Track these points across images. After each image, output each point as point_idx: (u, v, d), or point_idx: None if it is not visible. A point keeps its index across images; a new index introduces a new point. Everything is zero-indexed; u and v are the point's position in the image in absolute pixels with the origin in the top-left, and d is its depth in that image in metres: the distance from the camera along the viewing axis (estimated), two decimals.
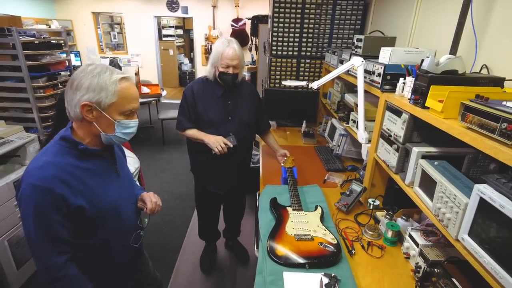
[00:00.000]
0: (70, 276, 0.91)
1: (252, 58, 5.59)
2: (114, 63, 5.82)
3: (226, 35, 5.98)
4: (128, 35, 6.63)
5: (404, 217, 1.34)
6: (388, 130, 1.32)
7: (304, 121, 2.59)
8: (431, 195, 1.00)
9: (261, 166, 2.02)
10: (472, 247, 0.80)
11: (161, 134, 4.71)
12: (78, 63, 5.73)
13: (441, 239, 1.14)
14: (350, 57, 1.81)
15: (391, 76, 1.36)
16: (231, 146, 1.65)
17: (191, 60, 8.94)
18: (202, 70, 6.67)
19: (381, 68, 1.38)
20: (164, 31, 8.82)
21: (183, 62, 8.93)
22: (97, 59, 6.63)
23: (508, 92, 1.01)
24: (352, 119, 1.83)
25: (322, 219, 1.38)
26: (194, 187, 2.08)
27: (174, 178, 3.63)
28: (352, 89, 2.09)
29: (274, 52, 2.77)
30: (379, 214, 1.45)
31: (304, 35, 2.69)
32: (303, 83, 1.97)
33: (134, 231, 1.11)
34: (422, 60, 1.13)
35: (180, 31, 9.34)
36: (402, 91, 1.27)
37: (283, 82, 2.11)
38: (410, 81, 1.19)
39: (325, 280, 1.05)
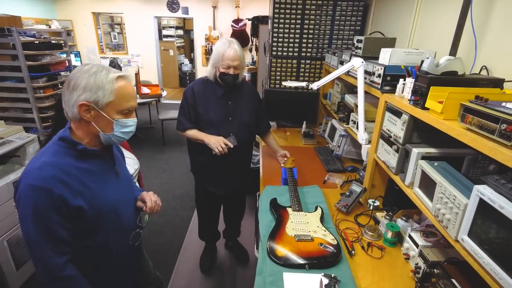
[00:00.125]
0: (70, 277, 0.91)
1: (253, 58, 5.60)
2: (114, 64, 5.83)
3: (227, 36, 6.01)
4: (128, 36, 6.63)
5: (404, 218, 1.34)
6: (388, 131, 1.32)
7: (304, 122, 2.59)
8: (431, 196, 1.01)
9: (261, 167, 2.02)
10: (472, 248, 0.80)
11: (161, 134, 4.71)
12: (78, 63, 5.74)
13: (441, 240, 1.14)
14: (350, 58, 1.82)
15: (391, 77, 1.36)
16: (232, 146, 1.65)
17: (191, 61, 8.95)
18: (203, 71, 6.67)
19: (381, 69, 1.38)
20: (164, 32, 8.82)
21: (183, 63, 8.94)
22: (97, 59, 6.64)
23: (507, 93, 1.01)
24: (352, 120, 1.83)
25: (322, 219, 1.39)
26: (194, 187, 2.08)
27: (174, 178, 3.63)
28: (352, 90, 2.10)
29: (274, 53, 2.78)
30: (379, 214, 1.45)
31: (304, 36, 2.69)
32: (303, 84, 1.97)
33: (133, 231, 1.11)
34: (422, 61, 1.13)
35: (180, 32, 9.35)
36: (402, 92, 1.27)
37: (283, 83, 2.12)
38: (410, 82, 1.20)
39: (325, 281, 1.05)
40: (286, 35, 2.70)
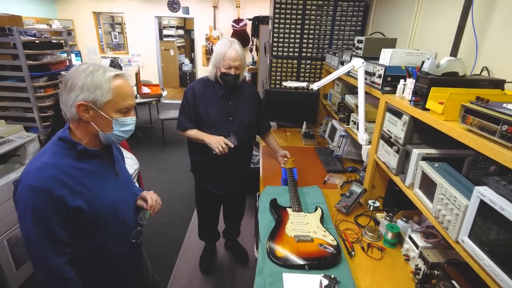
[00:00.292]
0: (69, 278, 0.90)
1: (253, 58, 5.60)
2: (114, 63, 5.83)
3: (227, 36, 6.01)
4: (129, 35, 6.64)
5: (404, 219, 1.34)
6: (389, 131, 1.32)
7: (305, 122, 2.59)
8: (431, 197, 1.00)
9: (261, 167, 2.02)
10: (472, 249, 0.80)
11: (161, 134, 4.71)
12: (78, 63, 5.73)
13: (441, 241, 1.14)
14: (350, 59, 1.82)
15: (392, 78, 1.36)
16: (232, 146, 1.65)
17: (192, 61, 8.96)
18: (203, 71, 6.68)
19: (382, 69, 1.38)
20: (165, 31, 8.83)
21: (183, 63, 8.95)
22: (98, 59, 6.65)
23: (508, 94, 1.01)
24: (352, 121, 1.83)
25: (322, 220, 1.38)
26: (194, 187, 2.08)
27: (174, 178, 3.63)
28: (353, 90, 2.10)
29: (274, 53, 2.77)
30: (379, 215, 1.45)
31: (305, 36, 2.69)
32: (304, 84, 1.97)
33: (134, 229, 1.10)
34: (423, 62, 1.13)
35: (181, 32, 9.35)
36: (403, 93, 1.27)
37: (284, 83, 2.12)
38: (410, 82, 1.19)
39: (325, 282, 1.05)
40: (286, 35, 2.70)
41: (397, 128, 1.24)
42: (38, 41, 3.30)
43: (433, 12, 1.71)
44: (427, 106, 1.03)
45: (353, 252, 1.25)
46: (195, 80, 1.83)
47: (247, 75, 4.50)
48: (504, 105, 0.80)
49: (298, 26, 2.66)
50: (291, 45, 2.73)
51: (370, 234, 1.35)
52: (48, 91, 3.34)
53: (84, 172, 0.93)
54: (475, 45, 1.31)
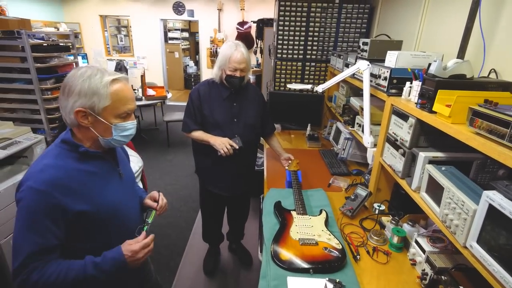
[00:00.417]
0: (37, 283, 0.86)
1: (257, 61, 5.62)
2: (120, 66, 5.89)
3: (232, 38, 6.03)
4: (135, 38, 6.71)
5: (410, 223, 1.32)
6: (394, 134, 1.30)
7: (309, 125, 2.58)
8: (438, 201, 0.99)
9: (266, 169, 2.01)
10: (481, 254, 0.78)
11: (166, 136, 4.74)
12: (85, 65, 5.81)
13: (449, 245, 1.12)
14: (355, 61, 1.81)
15: (398, 80, 1.35)
16: (237, 147, 1.65)
17: (197, 63, 9.01)
18: (208, 73, 6.71)
19: (387, 72, 1.37)
20: (170, 34, 8.90)
21: (188, 65, 9.01)
22: (104, 61, 6.72)
23: None
24: (357, 123, 1.82)
25: (326, 223, 1.37)
26: (198, 189, 2.08)
27: (178, 180, 3.64)
28: (358, 92, 2.09)
29: (279, 55, 2.78)
30: (385, 219, 1.43)
31: (310, 38, 2.69)
32: (308, 87, 1.96)
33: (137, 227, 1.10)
34: (429, 64, 1.12)
35: (185, 34, 9.43)
36: (409, 95, 1.26)
37: (288, 85, 2.11)
38: (417, 85, 1.18)
39: (330, 286, 1.04)
40: (291, 38, 2.70)
41: (403, 131, 1.23)
42: (46, 44, 3.36)
43: (440, 14, 1.69)
44: (434, 108, 1.02)
45: (358, 256, 1.23)
46: (200, 82, 1.84)
47: (251, 77, 4.51)
48: None
49: (303, 28, 2.66)
50: (296, 47, 2.73)
51: (375, 238, 1.33)
52: (55, 93, 3.39)
53: (87, 173, 0.93)
54: (482, 47, 1.29)
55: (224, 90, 1.74)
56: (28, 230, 0.84)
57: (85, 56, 6.37)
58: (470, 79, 1.10)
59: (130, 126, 0.97)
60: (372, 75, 1.52)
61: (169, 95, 4.97)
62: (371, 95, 1.51)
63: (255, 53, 5.64)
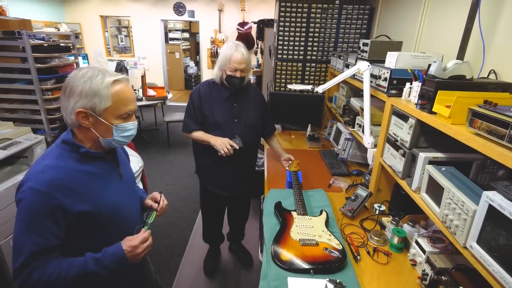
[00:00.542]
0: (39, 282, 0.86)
1: (258, 61, 5.62)
2: (121, 66, 5.90)
3: (232, 39, 6.04)
4: (135, 38, 6.72)
5: (410, 223, 1.32)
6: (395, 135, 1.31)
7: (309, 125, 2.58)
8: (438, 202, 0.99)
9: (266, 170, 2.02)
10: (481, 255, 0.79)
11: (166, 136, 4.74)
12: (85, 66, 5.82)
13: (449, 246, 1.12)
14: (356, 62, 1.81)
15: (398, 81, 1.35)
16: (237, 148, 1.65)
17: (197, 63, 9.02)
18: (208, 73, 6.72)
19: (388, 72, 1.37)
20: (170, 35, 8.92)
21: (189, 65, 9.02)
22: (104, 61, 6.73)
23: None
24: (357, 123, 1.82)
25: (327, 224, 1.37)
26: (198, 189, 2.09)
27: (178, 180, 3.64)
28: (358, 93, 2.09)
29: (279, 56, 2.78)
30: (385, 219, 1.43)
31: (310, 39, 2.70)
32: (309, 87, 1.97)
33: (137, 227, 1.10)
34: (429, 65, 1.12)
35: (186, 35, 9.44)
36: (409, 96, 1.26)
37: (289, 86, 2.12)
38: (416, 86, 1.18)
39: (330, 286, 1.04)
40: (291, 38, 2.71)
41: (403, 132, 1.24)
42: (46, 45, 3.36)
43: (440, 15, 1.70)
44: (433, 109, 1.02)
45: (358, 257, 1.23)
46: (201, 83, 1.84)
47: (252, 78, 4.52)
48: None
49: (303, 29, 2.66)
50: (296, 48, 2.74)
51: (376, 238, 1.34)
52: (56, 94, 3.39)
53: (88, 174, 0.93)
54: (482, 48, 1.30)
55: (225, 91, 1.74)
56: (28, 231, 0.84)
57: (85, 57, 6.37)
58: (469, 80, 1.10)
59: (131, 126, 0.97)
60: (372, 75, 1.52)
61: (170, 96, 4.97)
62: (371, 96, 1.51)
63: (256, 53, 5.65)
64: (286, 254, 1.18)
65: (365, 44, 1.76)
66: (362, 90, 1.53)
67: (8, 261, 1.81)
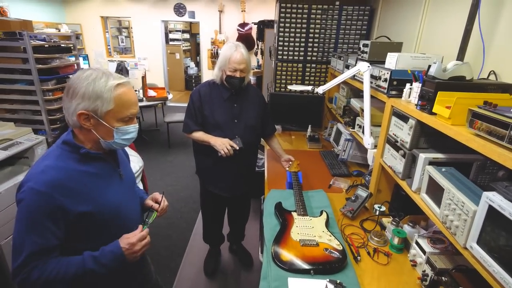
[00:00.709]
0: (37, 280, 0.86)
1: (258, 62, 5.63)
2: (121, 67, 5.91)
3: (232, 40, 6.04)
4: (136, 39, 6.73)
5: (410, 224, 1.32)
6: (395, 135, 1.31)
7: (310, 126, 2.59)
8: (438, 202, 0.99)
9: (266, 170, 2.02)
10: (481, 255, 0.79)
11: (167, 137, 4.74)
12: (86, 67, 5.83)
13: (449, 247, 1.13)
14: (356, 62, 1.81)
15: (398, 82, 1.36)
16: (237, 148, 1.65)
17: (197, 64, 9.03)
18: (208, 74, 6.73)
19: (388, 73, 1.37)
20: (171, 35, 8.93)
21: (189, 66, 9.03)
22: (105, 62, 6.74)
23: None
24: (358, 124, 1.82)
25: (327, 224, 1.38)
26: (199, 190, 2.09)
27: (179, 181, 3.64)
28: (358, 94, 2.09)
29: (280, 57, 2.79)
30: (385, 220, 1.43)
31: (310, 40, 2.70)
32: (309, 88, 1.97)
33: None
34: (429, 66, 1.12)
35: (186, 35, 9.46)
36: (409, 97, 1.26)
37: (289, 87, 2.12)
38: (417, 86, 1.19)
39: (331, 287, 1.04)
40: (291, 39, 2.71)
41: (403, 132, 1.24)
42: (47, 45, 3.37)
43: (440, 16, 1.70)
44: (433, 110, 1.03)
45: (359, 257, 1.24)
46: (201, 84, 1.85)
47: (252, 79, 4.52)
48: None
49: (303, 30, 2.67)
50: (296, 48, 2.74)
51: (376, 239, 1.34)
52: (57, 94, 3.40)
53: (88, 175, 0.93)
54: (482, 49, 1.30)
55: (225, 91, 1.74)
56: (28, 230, 0.85)
57: (86, 57, 6.37)
58: (469, 81, 1.10)
59: (132, 129, 0.98)
60: (372, 76, 1.53)
61: (170, 96, 4.98)
62: (372, 97, 1.51)
63: (256, 54, 5.66)
64: (287, 255, 1.19)
65: (365, 45, 1.76)
66: (362, 91, 1.53)
67: (8, 261, 1.82)
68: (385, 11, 2.44)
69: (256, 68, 5.31)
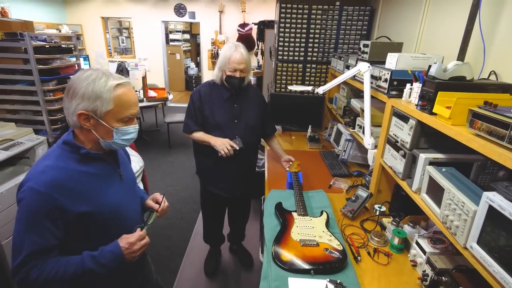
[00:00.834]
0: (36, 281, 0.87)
1: (258, 62, 5.63)
2: (122, 67, 5.92)
3: (233, 40, 6.05)
4: (136, 40, 6.74)
5: (411, 224, 1.32)
6: (395, 136, 1.31)
7: (310, 126, 2.59)
8: (438, 202, 0.99)
9: (266, 171, 2.02)
10: (481, 255, 0.79)
11: (167, 137, 4.75)
12: (87, 67, 5.84)
13: (449, 247, 1.13)
14: (356, 63, 1.82)
15: (398, 82, 1.36)
16: (237, 148, 1.66)
17: (198, 65, 9.04)
18: (208, 74, 6.73)
19: (388, 73, 1.37)
20: (171, 36, 8.94)
21: (189, 66, 9.03)
22: (105, 63, 6.76)
23: None
24: (358, 125, 1.82)
25: (327, 224, 1.38)
26: (199, 190, 2.09)
27: (179, 181, 3.64)
28: (358, 94, 2.09)
29: (280, 57, 2.79)
30: (386, 220, 1.43)
31: (310, 40, 2.70)
32: (309, 88, 1.97)
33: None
34: (430, 66, 1.12)
35: (187, 36, 9.47)
36: (409, 97, 1.26)
37: (289, 87, 2.12)
38: (417, 87, 1.19)
39: (331, 287, 1.04)
40: (292, 39, 2.71)
41: (404, 133, 1.24)
42: (48, 46, 3.37)
43: (440, 16, 1.70)
44: (434, 110, 1.03)
45: (359, 257, 1.24)
46: (201, 84, 1.85)
47: (252, 79, 4.52)
48: None
49: (304, 30, 2.67)
50: (297, 49, 2.74)
51: (376, 239, 1.34)
52: (57, 95, 3.41)
53: (88, 175, 0.93)
54: (482, 49, 1.30)
55: (225, 91, 1.75)
56: (28, 230, 0.85)
57: (86, 58, 6.39)
58: (470, 81, 1.10)
59: (132, 130, 0.98)
60: (372, 77, 1.53)
61: (170, 97, 4.98)
62: (372, 97, 1.51)
63: (256, 54, 5.66)
64: (287, 255, 1.19)
65: (365, 45, 1.76)
66: (362, 91, 1.53)
67: (9, 260, 1.82)
68: (385, 11, 2.44)
69: (256, 69, 5.31)
